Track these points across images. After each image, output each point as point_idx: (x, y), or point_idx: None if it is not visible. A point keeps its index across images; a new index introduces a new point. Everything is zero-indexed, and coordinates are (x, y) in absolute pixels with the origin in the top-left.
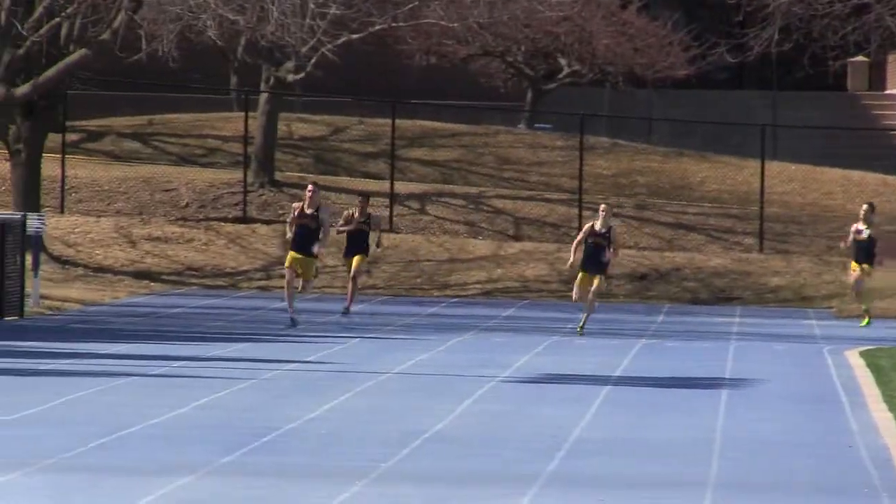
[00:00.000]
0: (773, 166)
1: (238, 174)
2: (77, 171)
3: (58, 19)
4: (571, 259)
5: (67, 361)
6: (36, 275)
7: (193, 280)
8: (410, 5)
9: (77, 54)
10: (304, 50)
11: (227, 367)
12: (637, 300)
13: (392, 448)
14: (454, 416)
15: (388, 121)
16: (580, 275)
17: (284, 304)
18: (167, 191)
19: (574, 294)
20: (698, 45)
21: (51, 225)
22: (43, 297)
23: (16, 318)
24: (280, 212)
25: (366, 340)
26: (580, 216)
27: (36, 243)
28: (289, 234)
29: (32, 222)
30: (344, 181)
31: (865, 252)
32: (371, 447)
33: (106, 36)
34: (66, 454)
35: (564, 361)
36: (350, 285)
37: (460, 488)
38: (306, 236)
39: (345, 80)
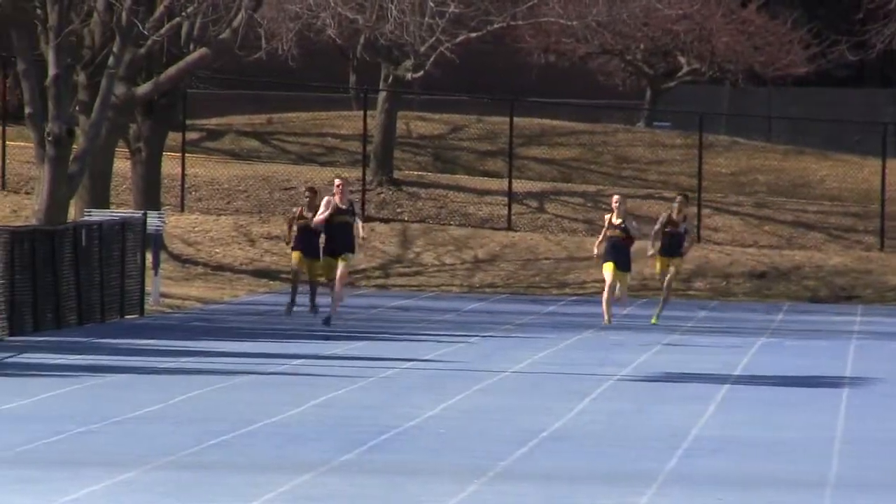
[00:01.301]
0: (895, 164)
1: (357, 173)
2: (197, 169)
3: (178, 18)
4: (595, 251)
5: (187, 359)
6: (156, 273)
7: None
8: (529, 3)
9: (197, 53)
10: (422, 48)
11: (346, 366)
12: (756, 298)
13: (510, 446)
14: (573, 415)
15: (507, 119)
16: (609, 264)
17: (403, 303)
18: (286, 189)
19: (607, 283)
20: (818, 42)
21: (171, 223)
22: (163, 295)
23: (136, 316)
24: (398, 210)
25: (484, 339)
26: (699, 215)
27: (156, 242)
28: (317, 221)
29: (153, 221)
30: (462, 179)
31: (676, 245)
32: (489, 445)
33: (226, 35)
34: (185, 451)
35: (683, 360)
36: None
37: (579, 486)
38: (345, 233)
39: (463, 78)
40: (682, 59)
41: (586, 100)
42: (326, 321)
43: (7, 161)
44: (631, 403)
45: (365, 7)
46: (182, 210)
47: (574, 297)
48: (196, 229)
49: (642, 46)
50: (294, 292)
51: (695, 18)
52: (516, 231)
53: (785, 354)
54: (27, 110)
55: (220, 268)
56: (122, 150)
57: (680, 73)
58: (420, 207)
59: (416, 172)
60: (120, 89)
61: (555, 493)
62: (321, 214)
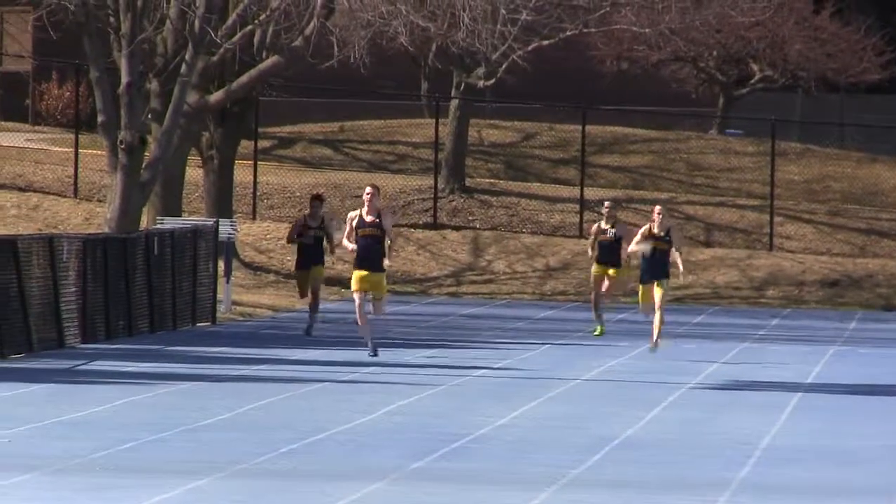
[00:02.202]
0: None
1: (428, 180)
2: (268, 177)
3: (251, 27)
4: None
5: (259, 367)
6: (228, 281)
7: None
8: (602, 11)
9: (269, 61)
10: (494, 56)
11: (416, 374)
12: (829, 307)
13: (581, 454)
14: (644, 423)
15: (579, 126)
16: (641, 287)
17: (474, 311)
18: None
19: (641, 307)
20: (892, 49)
21: (242, 231)
22: (235, 303)
23: (208, 323)
24: (470, 217)
25: (555, 347)
26: (771, 222)
27: (228, 249)
28: (347, 246)
29: (224, 228)
30: (534, 187)
31: (609, 252)
32: (560, 453)
33: (298, 43)
34: (257, 459)
35: (755, 368)
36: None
37: (650, 495)
38: (374, 248)
39: (535, 85)
40: (755, 67)
41: (659, 107)
42: (374, 351)
43: (80, 169)
44: (702, 412)
45: (437, 15)
46: (254, 218)
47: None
48: (268, 237)
49: (715, 53)
50: (311, 311)
51: (767, 26)
52: (588, 239)
53: (858, 363)
54: (100, 118)
55: (291, 276)
56: (194, 158)
57: (752, 81)
58: (492, 215)
59: (487, 180)
60: (192, 97)
61: (626, 501)
62: (347, 236)
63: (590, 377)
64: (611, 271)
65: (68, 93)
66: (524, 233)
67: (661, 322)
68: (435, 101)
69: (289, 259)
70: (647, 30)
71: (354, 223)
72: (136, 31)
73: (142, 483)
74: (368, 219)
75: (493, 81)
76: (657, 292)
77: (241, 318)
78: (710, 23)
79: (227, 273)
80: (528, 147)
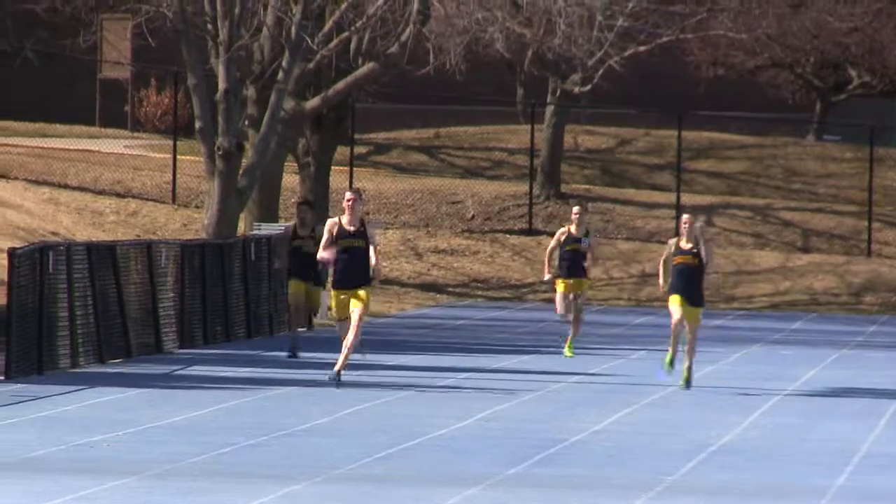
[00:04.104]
0: None
1: (524, 186)
2: (364, 183)
3: (347, 33)
4: (661, 281)
5: (354, 373)
6: (323, 287)
7: (479, 292)
8: (698, 17)
9: (366, 67)
10: (591, 62)
11: (512, 379)
12: None
13: (678, 461)
14: (741, 429)
15: (675, 132)
16: (676, 297)
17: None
18: (453, 203)
19: (674, 320)
20: None
21: None
22: (331, 308)
23: (304, 329)
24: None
25: (651, 352)
26: (869, 228)
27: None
28: (324, 256)
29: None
30: (629, 193)
31: (574, 264)
32: (656, 460)
33: (394, 49)
34: (352, 464)
35: (854, 375)
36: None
37: (747, 502)
38: (357, 262)
39: (631, 91)
40: (853, 72)
41: (755, 113)
42: (336, 378)
43: (178, 175)
44: (800, 418)
45: (533, 21)
46: None
47: (742, 311)
48: None
49: (812, 59)
50: (294, 329)
51: (866, 31)
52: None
53: None
54: (197, 125)
55: (387, 281)
56: (290, 164)
57: (850, 86)
58: (587, 221)
59: (583, 186)
60: (289, 104)
61: None
62: (324, 246)
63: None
64: (578, 285)
65: (166, 99)
66: (619, 239)
67: (694, 352)
68: (531, 108)
69: (385, 264)
70: (743, 35)
71: (335, 232)
72: (233, 38)
73: (238, 487)
74: (350, 228)
75: (588, 87)
76: (689, 321)
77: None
78: (808, 28)
79: (324, 279)
80: (623, 153)
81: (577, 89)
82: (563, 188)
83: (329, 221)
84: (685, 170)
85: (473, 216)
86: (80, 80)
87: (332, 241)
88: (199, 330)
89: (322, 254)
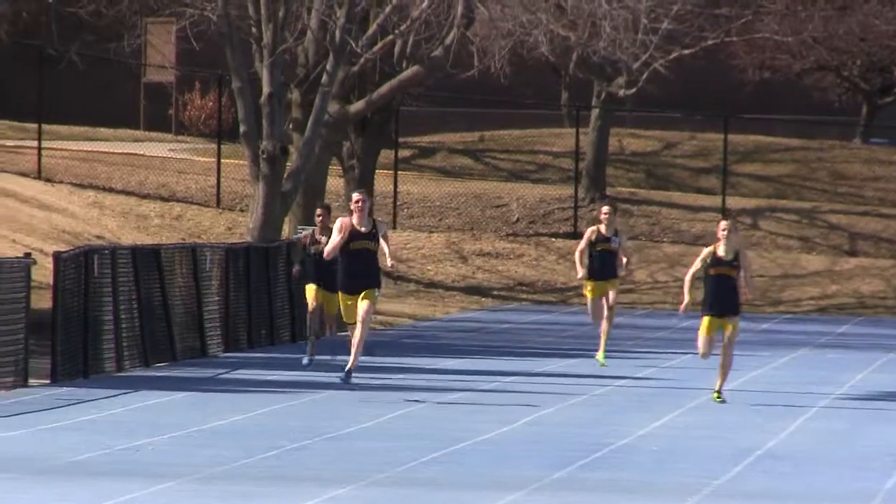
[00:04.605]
0: None
1: (568, 190)
2: (409, 186)
3: (391, 36)
4: (685, 298)
5: (400, 376)
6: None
7: (524, 295)
8: (744, 20)
9: (410, 71)
10: (635, 65)
11: (557, 383)
12: None
13: (724, 465)
14: (787, 434)
15: (721, 135)
16: (708, 319)
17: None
18: (498, 206)
19: (701, 346)
20: None
21: None
22: (375, 312)
23: (348, 333)
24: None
25: (698, 356)
26: None
27: None
28: (328, 251)
29: None
30: (675, 196)
31: (605, 265)
32: (703, 464)
33: (439, 52)
34: (398, 468)
35: None
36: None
37: None
38: (366, 264)
39: (676, 94)
40: None
41: (801, 116)
42: (347, 376)
43: (222, 179)
44: (847, 422)
45: (577, 24)
46: (394, 227)
47: (789, 315)
48: (408, 246)
49: (858, 62)
50: (316, 335)
51: None
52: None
53: None
54: (242, 128)
55: (432, 285)
56: (335, 168)
57: None
58: (633, 224)
59: (628, 189)
60: (333, 107)
61: None
62: (332, 241)
63: (733, 387)
64: (607, 286)
65: (211, 103)
66: (665, 242)
67: (728, 366)
68: (575, 111)
69: (430, 268)
70: (789, 38)
71: (346, 234)
72: (277, 41)
73: (283, 491)
74: (362, 230)
75: (633, 90)
76: (726, 331)
77: (382, 328)
78: (854, 31)
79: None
80: (668, 156)
81: (621, 92)
82: (609, 191)
83: (341, 220)
84: (731, 173)
85: (518, 219)
86: (124, 83)
87: (343, 243)
88: (243, 333)
89: (329, 248)
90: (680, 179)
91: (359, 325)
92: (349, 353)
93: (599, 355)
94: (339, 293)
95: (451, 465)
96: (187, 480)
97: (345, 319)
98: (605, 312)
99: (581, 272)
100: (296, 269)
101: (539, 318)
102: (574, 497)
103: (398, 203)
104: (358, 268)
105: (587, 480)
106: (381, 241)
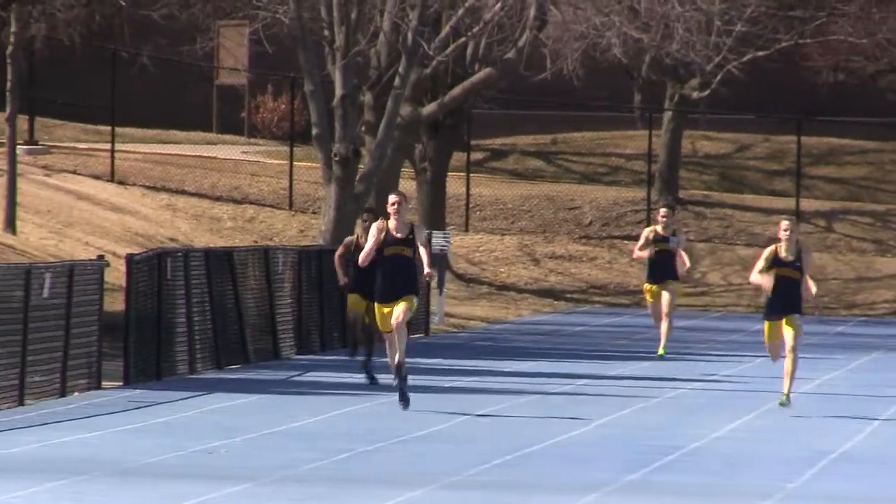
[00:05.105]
0: None
1: (641, 192)
2: (481, 189)
3: (464, 39)
4: (766, 283)
5: (471, 379)
6: (441, 293)
7: (596, 298)
8: (818, 22)
9: (482, 73)
10: (709, 67)
11: (630, 386)
12: None
13: (798, 468)
14: (863, 437)
15: (794, 137)
16: (769, 324)
17: (688, 323)
18: (571, 209)
19: (769, 352)
20: None
21: (456, 243)
22: (448, 314)
23: (421, 335)
24: (684, 229)
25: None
26: None
27: (441, 261)
28: (362, 258)
29: (437, 240)
30: (748, 199)
31: (663, 266)
32: (777, 467)
33: (511, 55)
34: (470, 471)
35: None
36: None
37: None
38: (401, 272)
39: (750, 96)
40: None
41: (875, 118)
42: (402, 397)
43: (294, 181)
44: None
45: (651, 26)
46: (467, 230)
47: (863, 318)
48: (481, 249)
49: None
50: (369, 344)
51: None
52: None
53: None
54: (314, 131)
55: (504, 287)
56: (407, 170)
57: None
58: (706, 227)
59: (701, 192)
60: (406, 109)
61: None
62: (366, 247)
63: (807, 390)
64: (668, 292)
65: (283, 105)
66: (738, 244)
67: (794, 370)
68: (648, 113)
69: (502, 270)
70: (863, 40)
71: (381, 238)
72: (350, 44)
73: (355, 494)
74: (398, 235)
75: (707, 92)
76: (788, 332)
77: (454, 330)
78: None
79: (441, 285)
80: (742, 158)
81: (695, 94)
82: (682, 194)
83: (377, 224)
84: (805, 175)
85: (591, 222)
86: (197, 86)
87: (378, 248)
88: (316, 336)
89: (363, 255)
90: (753, 182)
91: (394, 332)
92: (392, 373)
93: (660, 350)
94: (377, 302)
95: (522, 469)
96: (260, 483)
97: (380, 328)
98: (664, 312)
99: (641, 254)
100: (344, 281)
101: (611, 320)
102: (646, 500)
103: (470, 205)
104: (392, 275)
105: (659, 484)
106: (420, 247)
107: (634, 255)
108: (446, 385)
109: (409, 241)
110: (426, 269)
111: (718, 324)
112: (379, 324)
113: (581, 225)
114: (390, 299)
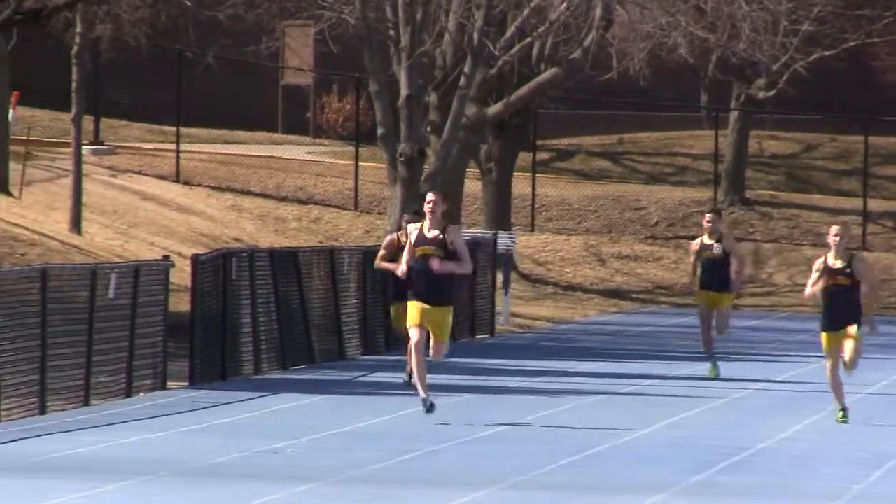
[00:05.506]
0: None
1: (708, 192)
2: (547, 189)
3: (529, 39)
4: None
5: (537, 379)
6: (506, 293)
7: (662, 298)
8: (885, 21)
9: (548, 73)
10: (775, 67)
11: (697, 386)
12: None
13: (865, 470)
14: None
15: (861, 137)
16: (825, 336)
17: (755, 323)
18: (636, 209)
19: (827, 371)
20: None
21: (521, 243)
22: (513, 315)
23: (486, 335)
24: (750, 229)
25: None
26: None
27: (506, 262)
28: (402, 268)
29: (503, 241)
30: (815, 199)
31: (714, 274)
32: (843, 469)
33: (577, 55)
34: (536, 471)
35: None
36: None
37: None
38: (430, 272)
39: (817, 96)
40: None
41: None
42: (429, 408)
43: (360, 181)
44: None
45: (717, 26)
46: (532, 230)
47: None
48: (546, 249)
49: None
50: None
51: None
52: (871, 251)
53: None
54: (379, 131)
55: (570, 288)
56: (472, 171)
57: None
58: (772, 227)
59: (768, 192)
60: (471, 109)
61: None
62: (404, 258)
63: (873, 391)
64: (719, 299)
65: (348, 106)
66: (805, 245)
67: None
68: (715, 113)
69: (568, 271)
70: None
71: (413, 239)
72: (415, 44)
73: (421, 494)
74: (430, 234)
75: (773, 92)
76: (848, 344)
77: (520, 330)
78: None
79: (506, 285)
80: (809, 158)
81: (761, 94)
82: (748, 194)
83: (412, 225)
84: (872, 175)
85: (657, 222)
86: (262, 86)
87: (410, 251)
88: (381, 336)
89: (403, 268)
90: (820, 182)
91: (434, 352)
92: (419, 383)
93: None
94: (410, 301)
95: (588, 469)
96: (325, 483)
97: (413, 320)
98: (714, 327)
99: (690, 280)
100: (400, 269)
101: (677, 321)
102: (712, 501)
103: (536, 206)
104: (423, 275)
105: (726, 484)
106: (454, 249)
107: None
108: (512, 385)
109: (440, 242)
110: (434, 264)
111: (785, 324)
112: (411, 315)
113: (647, 225)
114: (425, 299)
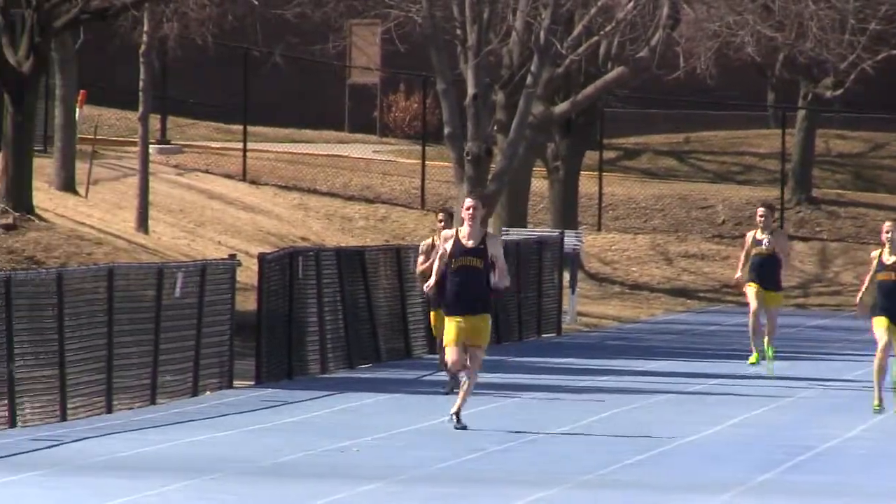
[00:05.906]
0: None
1: (775, 191)
2: (614, 188)
3: (596, 37)
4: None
5: (604, 378)
6: (573, 292)
7: (729, 297)
8: None
9: (615, 72)
10: (842, 66)
11: (763, 385)
12: None
13: None
14: None
15: None
16: (876, 319)
17: (822, 322)
18: (703, 208)
19: (879, 346)
20: None
21: (588, 242)
22: (580, 314)
23: (553, 334)
24: (817, 229)
25: None
26: None
27: (573, 261)
28: (429, 283)
29: (570, 240)
30: (883, 198)
31: (764, 270)
32: None
33: (644, 54)
34: (603, 470)
35: None
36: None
37: None
38: (473, 285)
39: (884, 95)
40: None
41: None
42: (457, 421)
43: (426, 180)
44: None
45: (784, 25)
46: (599, 229)
47: None
48: (613, 248)
49: None
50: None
51: None
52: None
53: None
54: (446, 130)
55: (636, 287)
56: (539, 169)
57: None
58: (839, 226)
59: (835, 191)
60: (538, 108)
61: None
62: (435, 267)
63: None
64: (768, 299)
65: (415, 105)
66: (872, 244)
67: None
68: (782, 112)
69: (634, 270)
70: None
71: (449, 248)
72: (482, 43)
73: (488, 493)
74: (469, 244)
75: (840, 91)
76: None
77: (587, 329)
78: None
79: (573, 284)
80: (876, 157)
81: (828, 93)
82: (815, 193)
83: (445, 233)
84: None
85: (724, 221)
86: (329, 85)
87: (444, 261)
88: None
89: (431, 281)
90: (888, 181)
91: (465, 373)
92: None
93: (752, 358)
94: (446, 315)
95: (655, 468)
96: (391, 482)
97: (451, 339)
98: (765, 327)
99: (738, 274)
100: (427, 290)
101: (744, 320)
102: (780, 500)
103: (603, 205)
104: (460, 289)
105: (793, 483)
106: (494, 259)
107: (740, 263)
108: (579, 384)
109: (480, 252)
110: (494, 283)
111: (852, 323)
112: (448, 333)
113: (714, 224)
114: (461, 312)
